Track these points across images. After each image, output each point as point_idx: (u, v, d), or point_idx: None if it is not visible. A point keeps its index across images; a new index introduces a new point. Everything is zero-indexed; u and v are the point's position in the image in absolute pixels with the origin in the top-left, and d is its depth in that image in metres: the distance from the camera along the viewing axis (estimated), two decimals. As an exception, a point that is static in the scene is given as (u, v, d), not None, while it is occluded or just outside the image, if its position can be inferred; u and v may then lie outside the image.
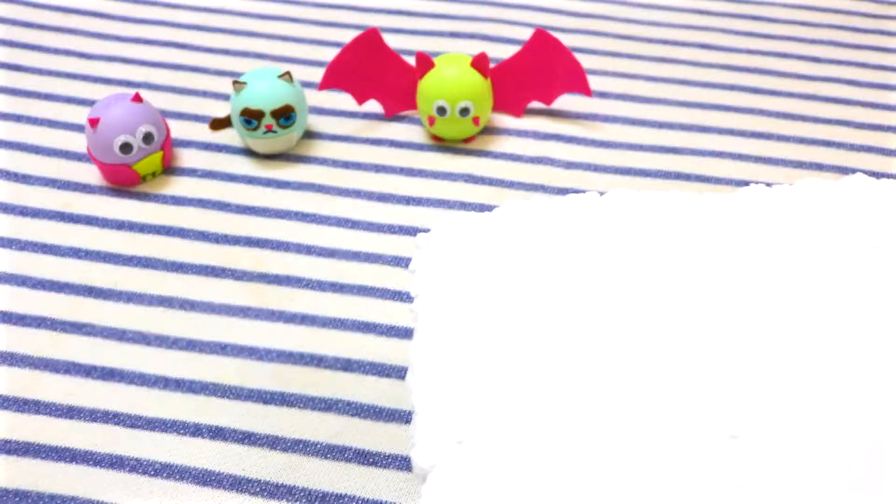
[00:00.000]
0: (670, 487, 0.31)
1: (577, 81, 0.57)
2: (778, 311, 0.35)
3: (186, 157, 0.57)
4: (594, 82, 0.60)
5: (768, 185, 0.42)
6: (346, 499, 0.40)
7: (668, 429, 0.32)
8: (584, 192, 0.55)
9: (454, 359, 0.33)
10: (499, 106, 0.59)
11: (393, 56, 0.57)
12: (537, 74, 0.57)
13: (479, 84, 0.55)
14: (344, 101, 0.60)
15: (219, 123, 0.59)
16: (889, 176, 0.56)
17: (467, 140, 0.58)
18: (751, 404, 0.32)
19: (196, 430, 0.43)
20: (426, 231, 0.52)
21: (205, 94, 0.62)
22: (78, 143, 0.57)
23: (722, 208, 0.39)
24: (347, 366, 0.45)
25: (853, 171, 0.57)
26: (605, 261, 0.37)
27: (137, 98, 0.53)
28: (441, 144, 0.58)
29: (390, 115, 0.60)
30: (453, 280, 0.36)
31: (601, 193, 0.39)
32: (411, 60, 0.56)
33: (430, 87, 0.55)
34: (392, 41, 0.57)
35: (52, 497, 0.40)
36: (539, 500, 0.31)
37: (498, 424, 0.32)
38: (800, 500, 0.30)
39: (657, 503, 0.30)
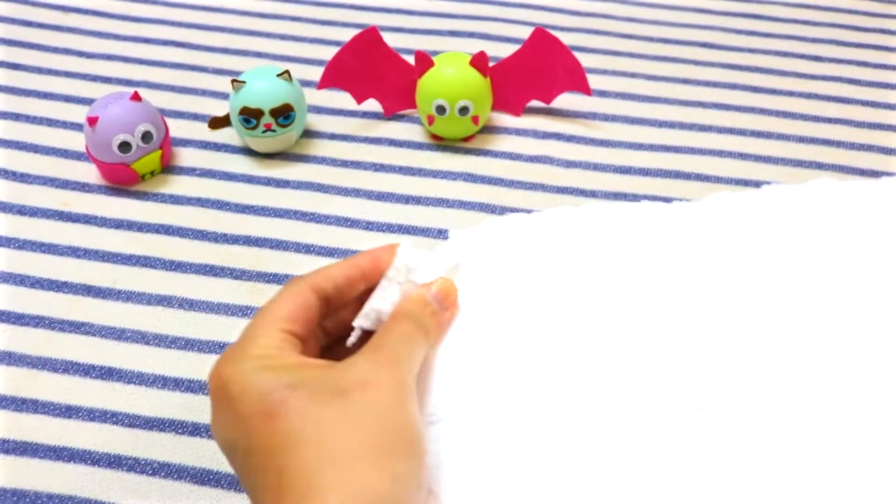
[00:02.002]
0: (641, 460, 0.32)
1: (576, 80, 0.57)
2: (769, 309, 0.35)
3: (185, 156, 0.57)
4: (594, 81, 0.59)
5: (758, 185, 0.42)
6: (345, 498, 0.40)
7: (647, 412, 0.32)
8: (583, 191, 0.55)
9: (444, 349, 0.34)
10: (498, 105, 0.59)
11: (392, 55, 0.57)
12: (537, 73, 0.57)
13: (478, 83, 0.55)
14: (343, 100, 0.60)
15: (218, 122, 0.58)
16: (889, 175, 0.56)
17: (467, 139, 0.58)
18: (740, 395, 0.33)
19: (194, 430, 0.42)
20: (426, 230, 0.52)
21: (204, 92, 0.62)
22: (77, 141, 0.57)
23: (723, 211, 0.39)
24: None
25: (853, 170, 0.56)
26: (602, 261, 0.37)
27: (136, 97, 0.53)
28: (440, 143, 0.58)
29: (389, 115, 0.60)
30: (466, 284, 0.36)
31: (607, 197, 0.40)
32: (410, 59, 0.56)
33: (429, 86, 0.55)
34: (391, 40, 0.57)
35: (50, 496, 0.40)
36: (511, 474, 0.32)
37: (471, 405, 0.33)
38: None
39: (627, 474, 0.31)
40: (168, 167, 0.56)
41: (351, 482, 0.27)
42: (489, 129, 0.59)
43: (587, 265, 0.37)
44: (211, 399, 0.31)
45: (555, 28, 0.62)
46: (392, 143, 0.58)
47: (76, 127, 0.58)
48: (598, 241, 0.37)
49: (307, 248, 0.51)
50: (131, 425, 0.43)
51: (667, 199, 0.54)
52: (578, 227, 0.38)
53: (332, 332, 0.36)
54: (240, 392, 0.30)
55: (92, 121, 0.52)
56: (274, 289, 0.48)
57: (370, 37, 0.56)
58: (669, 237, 0.38)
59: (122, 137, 0.52)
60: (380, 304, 0.34)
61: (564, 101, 0.60)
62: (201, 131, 0.58)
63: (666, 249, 0.37)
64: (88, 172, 0.55)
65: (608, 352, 0.34)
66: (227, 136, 0.58)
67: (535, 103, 0.60)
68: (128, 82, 0.62)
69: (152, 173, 0.55)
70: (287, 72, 0.54)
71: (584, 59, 0.57)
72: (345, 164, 0.57)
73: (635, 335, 0.34)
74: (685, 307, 0.35)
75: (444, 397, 0.34)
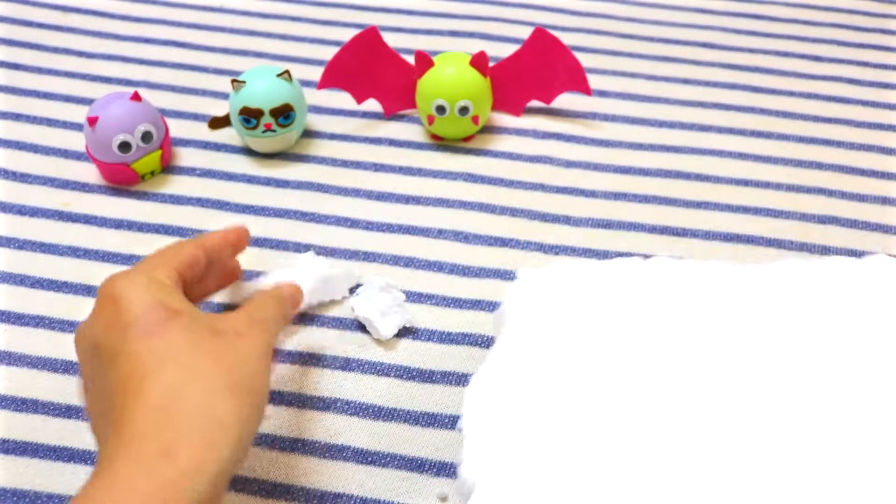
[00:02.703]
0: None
1: (576, 80, 0.57)
2: (801, 386, 0.36)
3: (185, 156, 0.57)
4: (594, 81, 0.59)
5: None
6: (345, 498, 0.40)
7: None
8: (583, 191, 0.55)
9: (509, 398, 0.35)
10: (498, 105, 0.59)
11: (392, 55, 0.57)
12: (537, 73, 0.57)
13: (478, 83, 0.55)
14: (343, 99, 0.60)
15: (218, 122, 0.58)
16: (890, 175, 0.56)
17: (467, 139, 0.58)
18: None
19: (194, 430, 0.42)
20: (426, 230, 0.52)
21: (204, 92, 0.62)
22: (77, 141, 0.57)
23: (757, 280, 0.40)
24: (346, 365, 0.45)
25: (853, 169, 0.56)
26: (643, 327, 0.38)
27: (136, 97, 0.53)
28: (440, 143, 0.58)
29: (389, 114, 0.60)
30: (525, 330, 0.38)
31: (645, 257, 0.41)
32: (410, 59, 0.56)
33: (429, 86, 0.55)
34: (391, 40, 0.57)
35: (50, 496, 0.40)
36: None
37: (536, 459, 0.34)
38: None
39: None
40: (168, 167, 0.56)
41: (207, 408, 0.31)
42: (489, 129, 0.59)
43: (636, 321, 0.38)
44: (95, 304, 0.34)
45: (555, 28, 0.62)
46: (392, 143, 0.58)
47: (76, 127, 0.58)
48: (654, 300, 0.39)
49: (307, 248, 0.51)
50: (131, 425, 0.43)
51: (671, 201, 0.54)
52: (637, 282, 0.39)
53: (193, 299, 0.39)
54: (128, 302, 0.33)
55: (92, 121, 0.52)
56: (274, 289, 0.48)
57: (370, 37, 0.56)
58: (728, 303, 0.38)
59: (122, 137, 0.52)
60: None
61: (564, 101, 0.60)
62: (201, 131, 0.58)
63: (720, 315, 0.38)
64: (88, 172, 0.55)
65: (641, 415, 0.35)
66: (227, 136, 0.58)
67: (535, 103, 0.60)
68: (128, 82, 0.62)
69: (152, 173, 0.55)
70: (287, 72, 0.54)
71: (584, 59, 0.57)
72: (345, 164, 0.57)
73: (665, 391, 0.35)
74: (718, 373, 0.36)
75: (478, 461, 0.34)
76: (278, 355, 0.45)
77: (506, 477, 0.33)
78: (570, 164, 0.57)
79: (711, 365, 0.36)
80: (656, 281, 0.39)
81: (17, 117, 0.59)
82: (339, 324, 0.47)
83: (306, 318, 0.47)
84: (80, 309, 0.47)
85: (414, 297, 0.48)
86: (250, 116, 0.53)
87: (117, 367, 0.32)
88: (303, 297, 0.43)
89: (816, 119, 0.60)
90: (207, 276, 0.41)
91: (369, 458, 0.41)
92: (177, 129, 0.58)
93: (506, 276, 0.50)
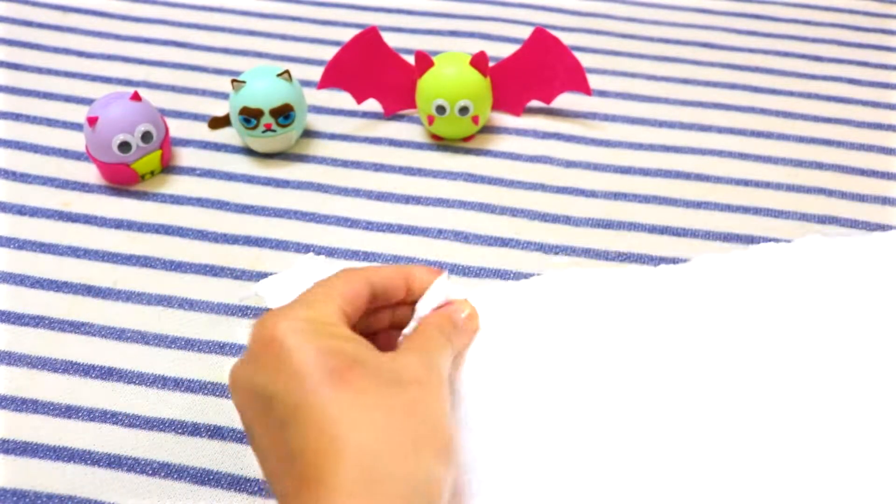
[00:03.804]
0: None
1: (576, 80, 0.57)
2: (760, 370, 0.36)
3: (185, 156, 0.57)
4: (594, 81, 0.59)
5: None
6: (345, 498, 0.40)
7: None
8: (583, 191, 0.55)
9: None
10: (498, 105, 0.59)
11: (392, 55, 0.57)
12: (537, 73, 0.57)
13: (478, 83, 0.55)
14: (343, 99, 0.60)
15: (218, 122, 0.58)
16: (890, 175, 0.56)
17: (467, 139, 0.58)
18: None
19: (194, 430, 0.42)
20: (426, 230, 0.52)
21: (204, 92, 0.62)
22: (77, 141, 0.57)
23: (713, 274, 0.40)
24: (346, 365, 0.45)
25: (853, 169, 0.56)
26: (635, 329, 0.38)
27: (136, 97, 0.53)
28: (440, 143, 0.58)
29: (389, 114, 0.59)
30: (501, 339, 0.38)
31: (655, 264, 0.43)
32: (410, 59, 0.56)
33: (429, 86, 0.55)
34: (391, 40, 0.57)
35: (50, 496, 0.40)
36: (537, 480, 0.34)
37: (504, 415, 0.35)
38: None
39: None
40: (168, 167, 0.56)
41: (411, 474, 0.28)
42: (489, 129, 0.59)
43: (600, 328, 0.38)
44: (253, 348, 0.31)
45: (555, 28, 0.62)
46: (392, 143, 0.58)
47: (76, 127, 0.58)
48: (611, 304, 0.39)
49: (307, 248, 0.51)
50: (131, 425, 0.43)
51: (671, 201, 0.54)
52: (589, 292, 0.40)
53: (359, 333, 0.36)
54: (298, 346, 0.30)
55: (92, 121, 0.52)
56: (274, 289, 0.48)
57: (370, 37, 0.56)
58: (665, 302, 0.39)
59: (122, 137, 0.52)
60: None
61: (564, 101, 0.60)
62: (201, 131, 0.58)
63: (661, 313, 0.39)
64: (88, 172, 0.55)
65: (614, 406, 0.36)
66: (227, 136, 0.58)
67: (535, 103, 0.60)
68: (128, 82, 0.62)
69: (152, 173, 0.55)
70: (287, 72, 0.54)
71: (584, 59, 0.57)
72: (345, 164, 0.57)
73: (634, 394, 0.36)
74: (677, 374, 0.37)
75: (482, 404, 0.35)
76: None
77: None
78: (570, 164, 0.57)
79: (706, 360, 0.36)
80: (602, 291, 0.40)
81: (17, 117, 0.59)
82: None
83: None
84: (80, 308, 0.47)
85: (414, 297, 0.48)
86: (250, 116, 0.53)
87: (299, 421, 0.29)
88: (476, 318, 0.38)
89: (816, 119, 0.60)
90: (374, 314, 0.37)
91: (369, 458, 0.41)
92: (177, 129, 0.58)
93: (506, 276, 0.50)
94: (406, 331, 0.36)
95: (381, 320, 0.37)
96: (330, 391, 0.29)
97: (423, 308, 0.36)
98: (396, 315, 0.37)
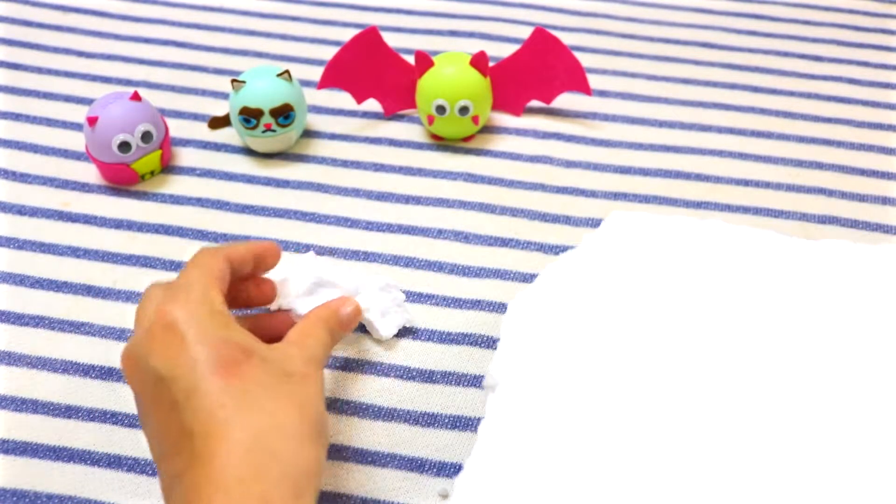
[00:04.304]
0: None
1: (576, 80, 0.57)
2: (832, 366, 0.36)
3: (185, 156, 0.57)
4: (594, 81, 0.59)
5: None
6: (345, 497, 0.40)
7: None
8: (583, 191, 0.55)
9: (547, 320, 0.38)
10: (498, 105, 0.59)
11: (392, 55, 0.57)
12: (537, 73, 0.57)
13: (478, 83, 0.55)
14: (343, 99, 0.60)
15: (217, 122, 0.58)
16: (890, 175, 0.56)
17: (467, 139, 0.58)
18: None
19: (194, 430, 0.42)
20: (426, 230, 0.52)
21: (203, 92, 0.62)
22: (76, 141, 0.57)
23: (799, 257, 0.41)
24: (346, 364, 0.45)
25: (853, 169, 0.56)
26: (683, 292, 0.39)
27: (136, 97, 0.53)
28: (440, 143, 0.58)
29: (389, 114, 0.60)
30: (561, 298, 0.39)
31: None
32: (410, 59, 0.56)
33: (429, 86, 0.55)
34: (391, 40, 0.57)
35: (50, 497, 0.40)
36: (558, 444, 0.34)
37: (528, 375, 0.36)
38: None
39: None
40: (168, 167, 0.56)
41: (293, 454, 0.32)
42: (489, 129, 0.59)
43: (688, 279, 0.39)
44: (151, 331, 0.33)
45: (555, 28, 0.62)
46: (392, 143, 0.58)
47: (76, 127, 0.58)
48: (708, 258, 0.40)
49: (307, 248, 0.51)
50: (131, 425, 0.43)
51: (671, 201, 0.54)
52: (694, 240, 0.41)
53: None
54: (194, 334, 0.33)
55: (92, 121, 0.52)
56: (274, 289, 0.48)
57: (370, 37, 0.56)
58: (777, 271, 0.40)
59: (122, 137, 0.52)
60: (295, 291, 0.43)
61: (564, 101, 0.60)
62: (201, 131, 0.58)
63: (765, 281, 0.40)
64: (88, 172, 0.55)
65: (675, 363, 0.36)
66: (227, 136, 0.58)
67: (535, 103, 0.60)
68: (128, 82, 0.62)
69: (152, 173, 0.55)
70: (287, 72, 0.54)
71: (584, 59, 0.57)
72: (345, 164, 0.57)
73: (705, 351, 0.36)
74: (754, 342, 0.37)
75: (505, 366, 0.37)
76: None
77: (528, 388, 0.35)
78: (570, 164, 0.57)
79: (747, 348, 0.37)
80: (707, 243, 0.41)
81: (17, 117, 0.59)
82: (339, 324, 0.47)
83: (306, 318, 0.47)
84: (80, 308, 0.47)
85: (414, 297, 0.48)
86: (250, 116, 0.53)
87: (193, 404, 0.31)
88: (359, 314, 0.43)
89: (816, 119, 0.60)
90: (233, 293, 0.40)
91: (369, 458, 0.41)
92: (177, 129, 0.58)
93: (506, 276, 0.50)
94: (273, 306, 0.42)
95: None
96: (222, 379, 0.32)
97: (294, 287, 0.43)
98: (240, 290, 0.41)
